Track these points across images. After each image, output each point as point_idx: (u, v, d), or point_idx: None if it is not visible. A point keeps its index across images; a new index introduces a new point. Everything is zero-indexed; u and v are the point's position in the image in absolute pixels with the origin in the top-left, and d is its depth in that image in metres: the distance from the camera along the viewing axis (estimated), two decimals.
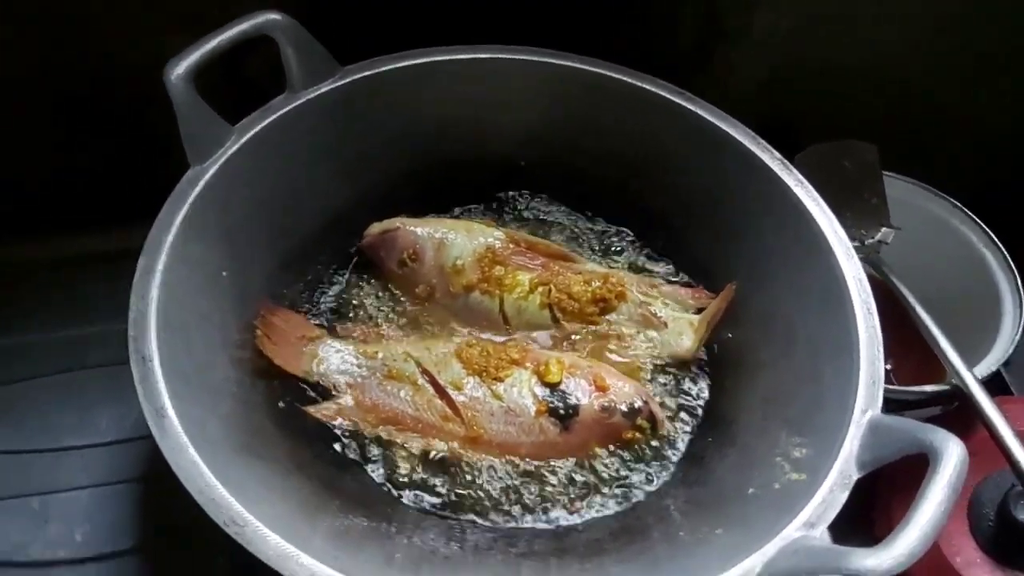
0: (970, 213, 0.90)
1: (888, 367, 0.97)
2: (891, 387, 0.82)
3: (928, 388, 0.80)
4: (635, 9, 0.87)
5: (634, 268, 0.80)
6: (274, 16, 0.67)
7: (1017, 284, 0.86)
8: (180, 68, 0.64)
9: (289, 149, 0.71)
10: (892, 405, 0.83)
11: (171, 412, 0.55)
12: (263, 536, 0.51)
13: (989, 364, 0.82)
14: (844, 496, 0.54)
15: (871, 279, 0.84)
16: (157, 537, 0.68)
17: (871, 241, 0.90)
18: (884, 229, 0.90)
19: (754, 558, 0.51)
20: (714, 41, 0.92)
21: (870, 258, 0.88)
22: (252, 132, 0.68)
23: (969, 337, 0.86)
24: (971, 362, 0.81)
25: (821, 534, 0.53)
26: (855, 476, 0.55)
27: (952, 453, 0.50)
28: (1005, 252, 0.88)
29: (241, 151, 0.67)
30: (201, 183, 0.65)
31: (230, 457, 0.57)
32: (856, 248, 0.88)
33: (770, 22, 0.91)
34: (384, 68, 0.73)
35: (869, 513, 0.88)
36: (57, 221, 0.87)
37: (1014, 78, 1.00)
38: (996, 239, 0.89)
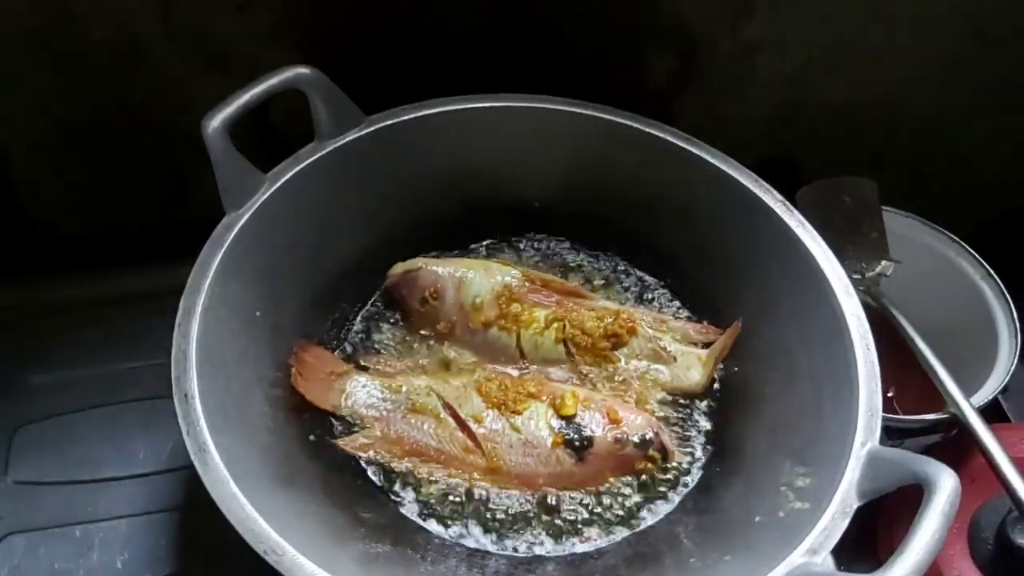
0: (967, 247, 0.93)
1: (890, 394, 0.99)
2: (892, 415, 0.85)
3: (928, 417, 0.83)
4: (638, 53, 0.91)
5: (644, 304, 0.83)
6: (304, 71, 0.71)
7: (1013, 315, 0.88)
8: (216, 121, 0.67)
9: (317, 195, 0.74)
10: (894, 433, 0.86)
11: (212, 447, 0.58)
12: (300, 564, 0.54)
13: (986, 393, 0.85)
14: (845, 524, 0.57)
15: (871, 310, 0.87)
16: (194, 564, 0.70)
17: (871, 274, 0.92)
18: (884, 262, 0.92)
19: None
20: (720, 83, 0.95)
21: (871, 290, 0.91)
22: (283, 180, 0.72)
23: (967, 366, 0.88)
24: (969, 391, 0.83)
25: (823, 560, 0.55)
26: (855, 505, 0.57)
27: (945, 485, 0.52)
28: (1001, 284, 0.90)
29: (273, 198, 0.71)
30: (236, 228, 0.68)
31: (266, 488, 0.61)
32: (857, 280, 0.92)
33: (773, 64, 0.94)
34: (406, 117, 0.76)
35: (873, 536, 0.91)
36: (96, 261, 0.91)
37: (1013, 115, 1.02)
38: (992, 271, 0.91)
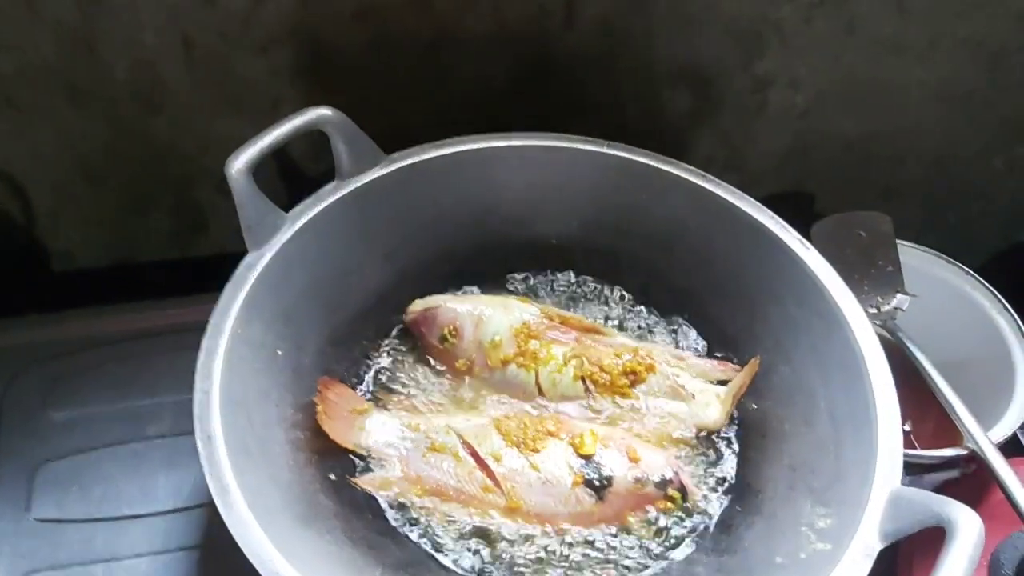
0: (982, 280, 0.93)
1: (907, 428, 0.99)
2: (910, 451, 0.84)
3: (946, 452, 0.83)
4: (653, 91, 0.92)
5: (662, 341, 0.83)
6: (325, 112, 0.72)
7: None
8: (240, 162, 0.67)
9: (338, 233, 0.75)
10: (911, 468, 0.86)
11: (235, 488, 0.58)
12: None
13: (1005, 427, 0.85)
14: (868, 566, 0.56)
15: (887, 344, 0.87)
16: None
17: (887, 308, 0.93)
18: (899, 296, 0.93)
19: None
20: (730, 116, 0.96)
21: (886, 324, 0.91)
22: (304, 219, 0.72)
23: (985, 401, 0.88)
24: (987, 425, 0.83)
25: None
26: (878, 547, 0.57)
27: (968, 527, 0.52)
28: (1016, 317, 0.90)
29: (295, 237, 0.72)
30: (259, 268, 0.69)
31: (288, 528, 0.61)
32: (872, 315, 0.92)
33: (786, 98, 0.95)
34: (426, 156, 0.77)
35: (893, 570, 0.90)
36: (116, 296, 0.91)
37: None
38: (1008, 305, 0.92)
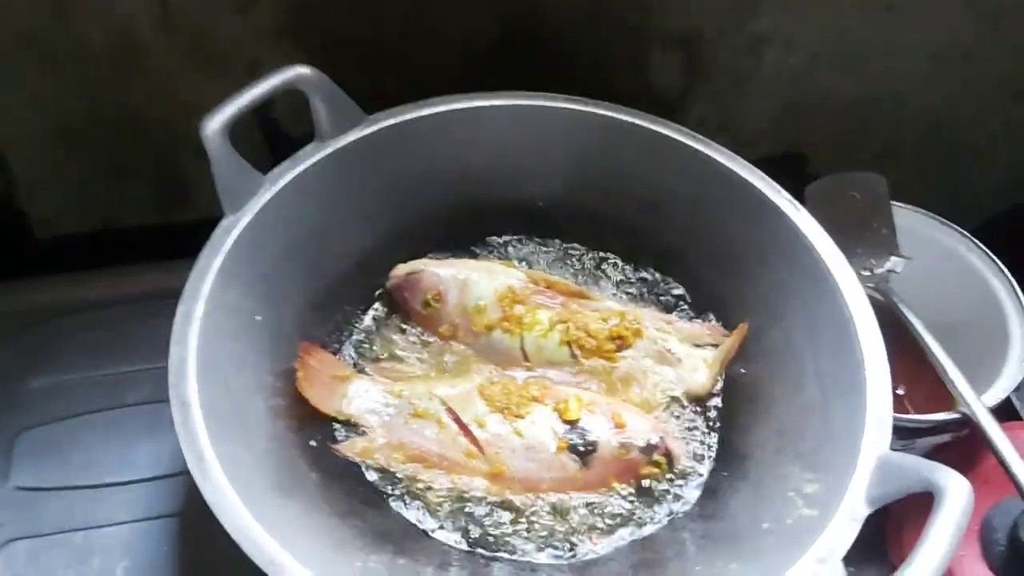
0: (977, 242, 0.92)
1: (900, 392, 0.98)
2: (902, 415, 0.83)
3: (938, 416, 0.82)
4: (644, 51, 0.90)
5: (650, 305, 0.82)
6: (304, 70, 0.69)
7: None
8: (215, 123, 0.65)
9: (318, 196, 0.73)
10: (903, 432, 0.85)
11: (211, 455, 0.57)
12: (299, 574, 0.53)
13: (999, 391, 0.84)
14: (855, 532, 0.56)
15: (881, 307, 0.86)
16: (196, 570, 0.70)
17: (881, 270, 0.91)
18: (893, 258, 0.91)
19: None
20: (723, 77, 0.94)
21: (880, 287, 0.90)
22: (283, 181, 0.71)
23: (979, 364, 0.87)
24: (981, 389, 0.82)
25: (832, 569, 0.54)
26: (865, 513, 0.56)
27: (957, 493, 0.51)
28: (1012, 280, 0.89)
29: (273, 200, 0.70)
30: (236, 232, 0.67)
31: (266, 496, 0.60)
32: (866, 277, 0.91)
33: (779, 59, 0.93)
34: (408, 116, 0.75)
35: (883, 535, 0.90)
36: (97, 262, 0.90)
37: None
38: (1003, 267, 0.90)
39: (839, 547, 0.55)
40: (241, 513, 0.55)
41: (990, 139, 1.05)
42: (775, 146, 1.03)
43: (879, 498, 0.57)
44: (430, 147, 0.77)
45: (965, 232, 0.92)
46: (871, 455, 0.58)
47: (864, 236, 0.92)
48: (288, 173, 0.71)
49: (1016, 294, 0.89)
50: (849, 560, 0.58)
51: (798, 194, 0.74)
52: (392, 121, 0.75)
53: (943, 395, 0.82)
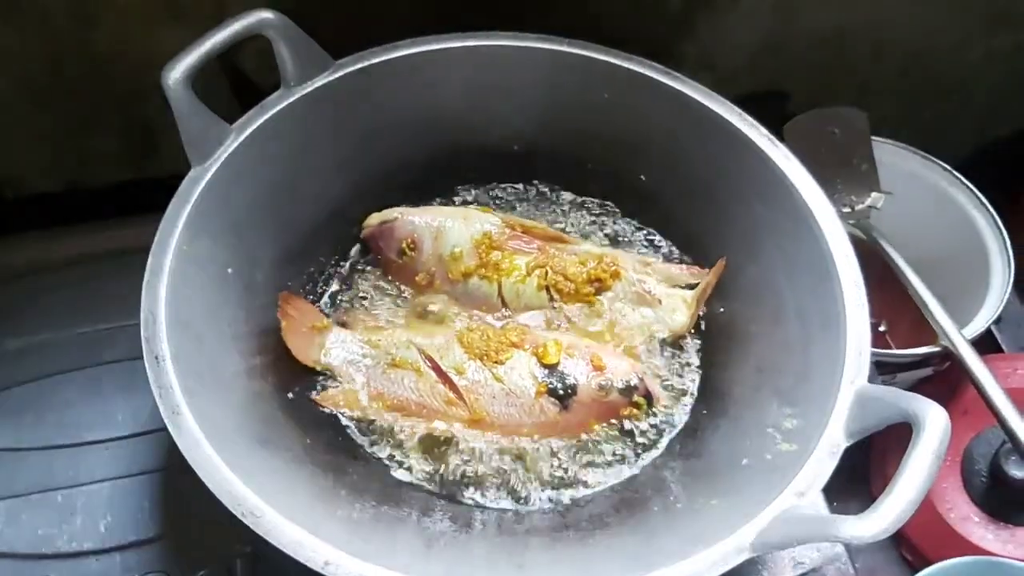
0: (959, 176, 0.91)
1: (882, 328, 0.99)
2: (883, 350, 0.84)
3: (919, 351, 0.82)
4: None
5: (628, 247, 0.81)
6: (266, 15, 0.68)
7: (1006, 244, 0.88)
8: (177, 72, 0.64)
9: (287, 144, 0.72)
10: (886, 367, 0.85)
11: (186, 409, 0.57)
12: (279, 525, 0.53)
13: (980, 323, 0.84)
14: (833, 465, 0.56)
15: (862, 244, 0.86)
16: (179, 525, 0.69)
17: (862, 207, 0.91)
18: (874, 194, 0.91)
19: (747, 528, 0.53)
20: (702, 11, 0.92)
21: (861, 223, 0.90)
22: (250, 130, 0.69)
23: (960, 297, 0.88)
24: (962, 321, 0.83)
25: (811, 502, 0.55)
26: (843, 445, 0.56)
27: (934, 422, 0.51)
28: (993, 213, 0.89)
29: (240, 149, 0.68)
30: (203, 183, 0.66)
31: (244, 449, 0.60)
32: (847, 214, 0.90)
33: None
34: (376, 60, 0.73)
35: (866, 468, 0.91)
36: (67, 218, 0.88)
37: (1007, 34, 1.00)
38: (984, 200, 0.90)
39: (818, 481, 0.56)
40: (218, 465, 0.55)
41: (971, 70, 1.03)
42: (756, 84, 1.01)
43: (858, 431, 0.57)
44: (400, 91, 0.76)
45: (946, 166, 0.92)
46: (849, 388, 0.58)
47: (844, 172, 0.92)
48: (254, 121, 0.70)
49: (997, 226, 0.89)
50: (832, 494, 0.59)
51: (778, 132, 0.72)
52: (360, 65, 0.73)
53: (925, 329, 0.83)
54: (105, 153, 0.93)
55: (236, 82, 0.88)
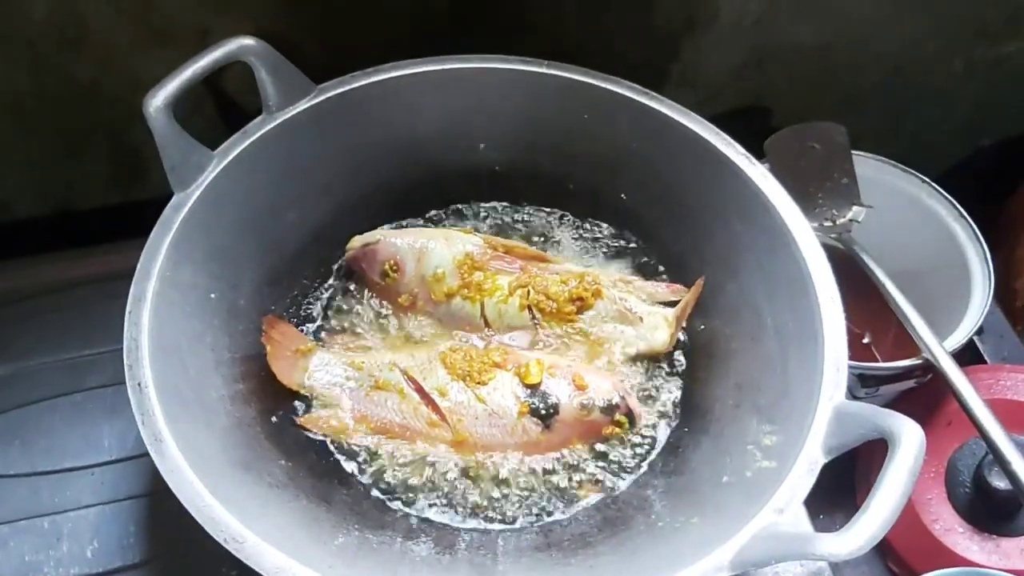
0: (938, 188, 0.92)
1: (866, 340, 0.99)
2: (865, 364, 0.84)
3: (901, 363, 0.83)
4: (598, 4, 0.88)
5: (609, 265, 0.82)
6: (247, 41, 0.68)
7: (986, 256, 0.88)
8: (158, 99, 0.65)
9: (269, 169, 0.73)
10: (869, 380, 0.85)
11: (168, 436, 0.57)
12: (262, 551, 0.53)
13: (961, 335, 0.85)
14: (811, 482, 0.56)
15: (844, 257, 0.86)
16: (166, 550, 0.70)
17: (843, 220, 0.91)
18: (855, 208, 0.91)
19: (727, 546, 0.54)
20: (683, 30, 0.93)
21: (842, 237, 0.90)
22: (232, 156, 0.70)
23: (942, 309, 0.88)
24: (944, 333, 0.83)
25: (790, 519, 0.55)
26: (821, 462, 0.57)
27: (909, 439, 0.52)
28: (973, 225, 0.89)
29: (222, 175, 0.69)
30: (185, 209, 0.67)
31: (227, 474, 0.60)
32: (828, 228, 0.91)
33: (738, 7, 0.92)
34: (357, 84, 0.74)
35: (852, 478, 0.91)
36: (54, 245, 0.89)
37: (988, 44, 1.00)
38: (964, 212, 0.90)
39: (797, 497, 0.56)
40: (200, 491, 0.55)
41: (953, 81, 1.04)
42: (739, 100, 1.02)
43: (836, 447, 0.57)
44: (381, 115, 0.76)
45: (926, 178, 0.93)
46: (827, 405, 0.59)
47: (825, 187, 0.92)
48: (236, 147, 0.71)
49: (977, 238, 0.89)
50: (818, 507, 0.59)
51: (762, 148, 0.73)
52: (341, 90, 0.74)
53: (909, 342, 0.83)
54: (93, 178, 0.93)
55: (221, 103, 0.88)
